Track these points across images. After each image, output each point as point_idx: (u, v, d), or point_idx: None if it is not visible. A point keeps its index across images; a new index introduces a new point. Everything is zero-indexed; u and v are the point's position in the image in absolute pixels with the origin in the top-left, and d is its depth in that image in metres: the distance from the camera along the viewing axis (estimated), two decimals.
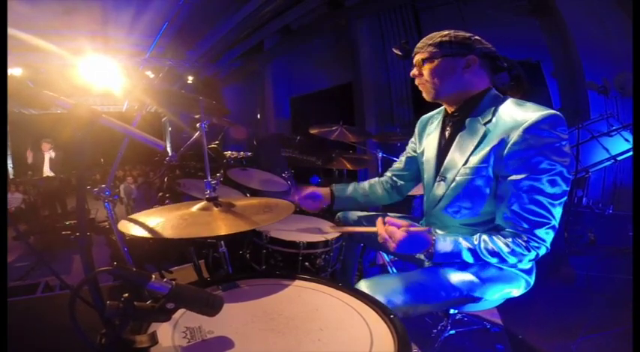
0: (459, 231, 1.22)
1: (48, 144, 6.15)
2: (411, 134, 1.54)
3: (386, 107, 5.72)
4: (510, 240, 1.07)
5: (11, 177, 8.26)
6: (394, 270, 2.18)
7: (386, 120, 5.69)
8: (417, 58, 1.22)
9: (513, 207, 1.07)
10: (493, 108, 1.14)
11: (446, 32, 1.19)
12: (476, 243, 1.08)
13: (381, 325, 0.84)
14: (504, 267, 1.17)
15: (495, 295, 1.18)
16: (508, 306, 1.31)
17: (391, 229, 1.07)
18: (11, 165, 8.77)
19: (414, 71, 1.24)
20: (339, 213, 1.71)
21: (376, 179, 1.63)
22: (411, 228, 1.06)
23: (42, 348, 1.54)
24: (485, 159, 1.12)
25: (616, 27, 3.64)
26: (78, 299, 0.67)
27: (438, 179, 1.26)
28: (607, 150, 3.19)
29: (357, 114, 6.02)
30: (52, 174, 6.15)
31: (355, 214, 1.66)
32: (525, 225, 1.05)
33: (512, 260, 1.08)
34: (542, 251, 1.08)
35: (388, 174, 1.61)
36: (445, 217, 1.26)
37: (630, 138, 3.16)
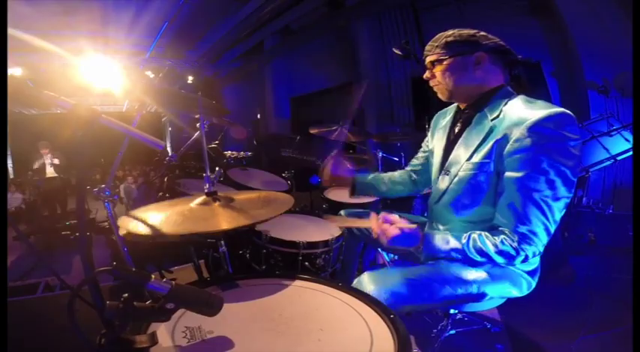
0: (459, 227, 1.21)
1: (46, 148, 6.12)
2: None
3: (386, 107, 5.72)
4: (500, 239, 1.05)
5: (11, 177, 8.27)
6: None
7: (386, 120, 5.70)
8: (428, 60, 1.23)
9: (509, 205, 1.05)
10: (503, 104, 1.12)
11: (450, 32, 1.18)
12: (464, 241, 1.08)
13: (381, 325, 0.83)
14: (508, 266, 1.16)
15: (498, 293, 1.17)
16: (508, 306, 1.31)
17: (385, 226, 1.10)
18: (11, 165, 8.77)
19: (427, 74, 1.25)
20: (341, 211, 1.72)
21: (399, 171, 1.63)
22: (403, 225, 1.09)
23: (42, 348, 1.54)
24: (488, 155, 1.11)
25: (616, 27, 3.65)
26: (78, 300, 0.67)
27: (442, 173, 1.26)
28: (607, 150, 3.19)
29: (357, 114, 6.02)
30: (54, 174, 6.14)
31: (357, 212, 1.68)
32: (518, 225, 1.03)
33: (499, 260, 1.07)
34: (531, 253, 1.05)
35: (407, 168, 1.62)
36: (446, 213, 1.26)
37: (630, 138, 3.15)
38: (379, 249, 2.03)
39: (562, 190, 1.02)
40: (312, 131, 3.07)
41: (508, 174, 1.06)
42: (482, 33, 1.18)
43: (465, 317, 1.90)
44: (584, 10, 3.90)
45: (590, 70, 3.96)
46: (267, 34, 7.15)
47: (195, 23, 6.12)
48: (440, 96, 1.26)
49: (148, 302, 0.70)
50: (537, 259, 1.21)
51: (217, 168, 1.93)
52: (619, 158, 3.15)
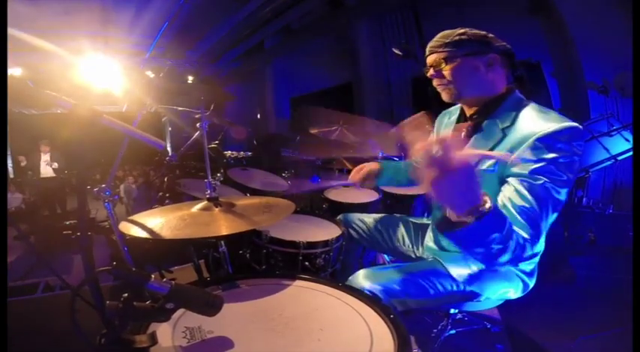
0: None
1: (46, 146, 6.13)
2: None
3: (386, 107, 5.72)
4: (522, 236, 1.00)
5: (11, 177, 8.26)
6: None
7: (386, 120, 5.69)
8: (434, 58, 1.13)
9: (520, 210, 0.96)
10: (514, 113, 1.07)
11: (462, 30, 1.11)
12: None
13: (381, 325, 0.84)
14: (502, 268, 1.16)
15: (494, 294, 1.18)
16: (508, 306, 1.31)
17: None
18: (11, 165, 8.77)
19: (431, 72, 1.15)
20: (340, 215, 1.73)
21: (403, 162, 1.65)
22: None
23: (42, 348, 1.53)
24: (494, 164, 1.06)
25: (616, 27, 3.64)
26: (78, 299, 0.67)
27: None
28: (607, 150, 3.19)
29: (357, 114, 6.03)
30: (50, 174, 6.14)
31: (356, 216, 1.67)
32: (529, 230, 0.95)
33: (514, 251, 0.90)
34: (507, 257, 0.91)
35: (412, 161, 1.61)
36: None
37: (630, 138, 3.15)
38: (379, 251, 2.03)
39: (562, 201, 1.00)
40: (312, 131, 3.07)
41: (510, 175, 1.02)
42: (492, 35, 1.13)
43: (465, 317, 1.90)
44: (584, 10, 3.89)
45: (590, 70, 3.96)
46: (267, 33, 7.15)
47: (196, 23, 6.13)
48: (445, 97, 1.18)
49: (147, 302, 0.70)
50: (536, 260, 1.20)
51: (218, 174, 1.94)
52: (619, 158, 3.14)
